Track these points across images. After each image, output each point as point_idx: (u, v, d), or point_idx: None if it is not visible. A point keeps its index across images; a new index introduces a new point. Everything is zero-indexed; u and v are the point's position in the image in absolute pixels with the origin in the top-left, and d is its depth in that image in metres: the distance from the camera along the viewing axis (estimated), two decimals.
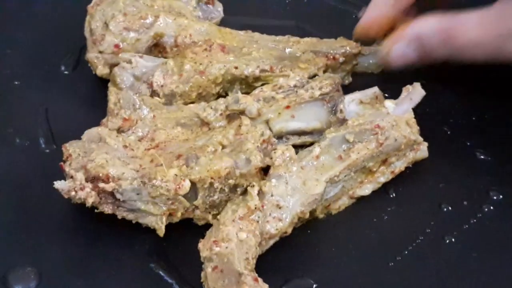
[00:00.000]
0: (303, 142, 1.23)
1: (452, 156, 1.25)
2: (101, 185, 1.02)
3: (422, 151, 1.21)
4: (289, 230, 1.07)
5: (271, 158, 1.12)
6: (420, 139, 1.20)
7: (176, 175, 1.05)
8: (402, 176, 1.20)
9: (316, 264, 1.09)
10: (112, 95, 1.18)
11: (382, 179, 1.19)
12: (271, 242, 1.07)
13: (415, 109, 1.22)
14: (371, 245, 1.11)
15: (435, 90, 1.33)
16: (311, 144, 1.23)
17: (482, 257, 1.10)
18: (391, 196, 1.19)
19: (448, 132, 1.29)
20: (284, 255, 1.09)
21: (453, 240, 1.12)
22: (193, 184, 1.06)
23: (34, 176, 1.19)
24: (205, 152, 1.09)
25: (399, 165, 1.20)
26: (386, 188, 1.19)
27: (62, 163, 1.07)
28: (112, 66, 1.29)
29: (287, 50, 1.32)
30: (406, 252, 1.10)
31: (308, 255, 1.10)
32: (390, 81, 1.33)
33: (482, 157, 1.24)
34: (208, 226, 1.08)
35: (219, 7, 1.40)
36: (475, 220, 1.15)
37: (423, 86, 1.22)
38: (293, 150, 1.13)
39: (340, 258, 1.10)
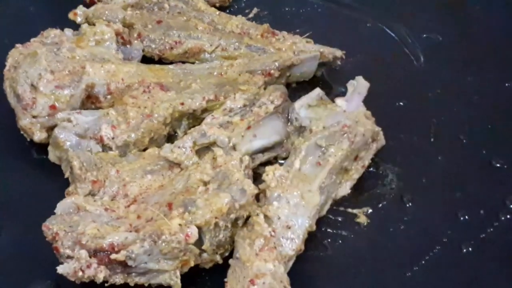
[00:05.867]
0: (268, 158, 1.23)
1: (468, 164, 1.24)
2: (113, 256, 0.93)
3: (381, 139, 1.26)
4: (303, 247, 1.06)
5: (263, 182, 1.09)
6: (378, 128, 1.24)
7: (180, 224, 0.98)
8: (417, 185, 1.20)
9: (334, 276, 1.08)
10: (75, 160, 1.07)
11: (356, 175, 1.22)
12: (290, 263, 1.05)
13: (432, 119, 1.26)
14: (387, 256, 1.10)
15: (451, 99, 1.34)
16: (275, 158, 1.24)
17: (500, 266, 1.08)
18: (407, 205, 1.17)
19: (464, 141, 1.28)
20: (301, 268, 1.07)
21: (470, 249, 1.11)
22: (198, 229, 1.00)
23: (53, 189, 1.13)
24: (196, 194, 1.04)
25: (367, 158, 1.23)
26: (402, 197, 1.18)
27: (54, 245, 0.95)
28: (49, 129, 1.18)
29: (225, 75, 1.29)
30: (423, 262, 1.09)
31: (326, 267, 1.09)
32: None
33: (498, 165, 1.24)
34: (216, 267, 1.04)
35: (138, 45, 1.34)
36: (492, 229, 1.14)
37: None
38: (281, 168, 1.11)
39: (357, 268, 1.09)
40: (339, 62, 1.38)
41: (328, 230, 1.14)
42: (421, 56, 1.45)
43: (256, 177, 1.18)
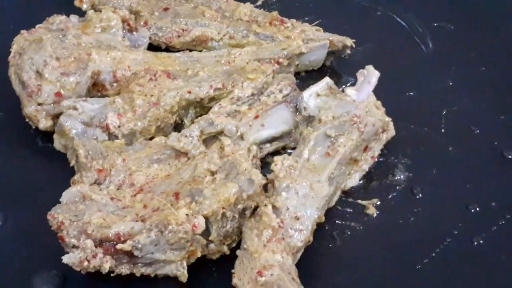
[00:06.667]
0: (276, 148, 1.22)
1: (479, 155, 1.21)
2: (119, 246, 0.92)
3: (391, 130, 1.24)
4: (311, 238, 1.04)
5: (271, 172, 1.08)
6: (388, 118, 1.22)
7: (187, 214, 0.97)
8: (428, 176, 1.18)
9: (342, 267, 1.06)
10: (81, 148, 1.06)
11: (366, 166, 1.20)
12: (299, 255, 1.03)
13: (443, 109, 1.25)
14: (397, 248, 1.08)
15: (462, 89, 1.32)
16: (283, 148, 1.23)
17: (511, 259, 1.07)
18: (417, 197, 1.15)
19: (476, 131, 1.26)
20: (309, 259, 1.05)
21: (481, 242, 1.09)
22: (205, 219, 0.98)
23: (58, 177, 1.12)
24: (203, 183, 1.03)
25: (376, 149, 1.21)
26: (412, 188, 1.16)
27: (59, 234, 0.94)
28: (54, 116, 1.16)
29: (232, 63, 1.27)
30: (434, 255, 1.07)
31: (334, 259, 1.07)
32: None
33: (509, 156, 1.21)
34: (223, 258, 1.03)
35: (144, 33, 1.32)
36: (503, 222, 1.11)
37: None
38: (290, 157, 1.10)
39: (366, 260, 1.07)
40: (348, 51, 1.36)
41: (337, 221, 1.12)
42: (431, 45, 1.43)
43: (264, 166, 1.17)
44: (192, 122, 1.20)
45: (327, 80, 1.26)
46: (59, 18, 1.26)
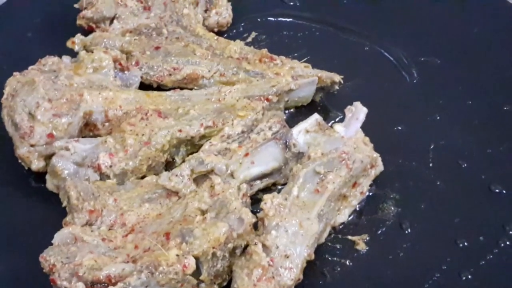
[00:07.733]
0: (266, 185, 1.23)
1: (467, 190, 1.22)
2: None
3: (379, 165, 1.25)
4: (301, 276, 1.05)
5: (261, 210, 1.09)
6: (376, 154, 1.24)
7: (177, 255, 0.98)
8: (416, 211, 1.19)
9: None
10: (72, 190, 1.07)
11: (355, 202, 1.21)
12: None
13: (430, 143, 1.27)
14: (387, 284, 1.09)
15: (449, 124, 1.33)
16: (274, 185, 1.24)
17: None
18: (406, 232, 1.16)
19: (463, 166, 1.27)
20: None
21: (469, 277, 1.09)
22: (195, 259, 0.99)
23: (51, 218, 1.13)
24: (194, 223, 1.04)
25: (365, 184, 1.23)
26: (400, 223, 1.18)
27: (51, 276, 0.95)
28: (47, 157, 1.18)
29: (223, 101, 1.29)
30: None
31: None
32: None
33: (497, 190, 1.21)
34: None
35: (136, 72, 1.34)
36: (491, 256, 1.12)
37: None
38: (279, 195, 1.11)
39: None
40: (337, 87, 1.38)
41: (327, 257, 1.13)
42: (419, 80, 1.44)
43: (254, 203, 1.18)
44: (183, 160, 1.21)
45: (316, 117, 1.28)
46: (51, 60, 1.28)
